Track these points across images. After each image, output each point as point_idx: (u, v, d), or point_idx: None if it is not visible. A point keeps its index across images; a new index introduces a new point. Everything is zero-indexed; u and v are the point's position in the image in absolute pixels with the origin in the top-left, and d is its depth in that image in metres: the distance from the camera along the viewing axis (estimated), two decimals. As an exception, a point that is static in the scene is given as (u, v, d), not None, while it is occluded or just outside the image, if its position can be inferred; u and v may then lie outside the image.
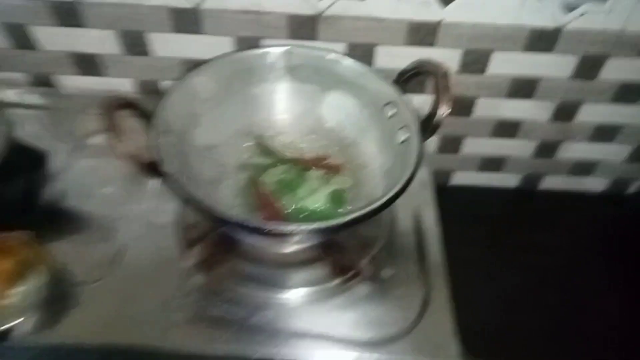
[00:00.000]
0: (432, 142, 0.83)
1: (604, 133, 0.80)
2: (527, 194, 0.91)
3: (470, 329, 0.72)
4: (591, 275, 0.81)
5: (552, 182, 0.89)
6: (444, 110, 0.54)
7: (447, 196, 0.91)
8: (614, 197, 0.91)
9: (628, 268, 0.82)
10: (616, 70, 0.71)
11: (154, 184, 0.65)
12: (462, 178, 0.89)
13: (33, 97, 0.77)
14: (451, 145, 0.84)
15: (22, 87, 0.78)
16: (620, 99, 0.75)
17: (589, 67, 0.71)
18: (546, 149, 0.83)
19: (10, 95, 0.76)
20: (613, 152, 0.83)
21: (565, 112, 0.77)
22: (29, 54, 0.74)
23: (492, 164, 0.86)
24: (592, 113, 0.77)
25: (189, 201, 0.46)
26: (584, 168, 0.87)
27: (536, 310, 0.77)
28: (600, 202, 0.91)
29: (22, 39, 0.72)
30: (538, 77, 0.72)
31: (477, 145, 0.83)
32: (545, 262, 0.82)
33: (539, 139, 0.82)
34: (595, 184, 0.90)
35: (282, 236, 0.47)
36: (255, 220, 0.45)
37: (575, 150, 0.83)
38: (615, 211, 0.90)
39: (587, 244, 0.85)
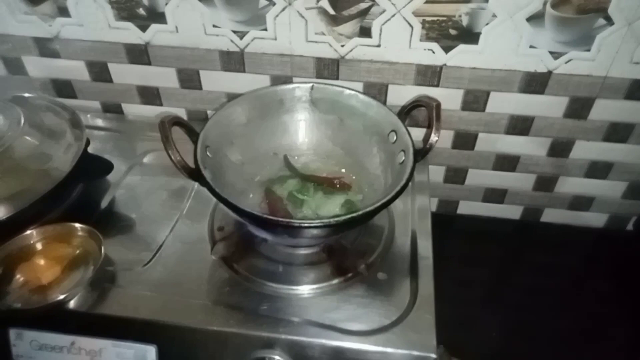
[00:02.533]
0: (439, 172, 0.92)
1: (598, 170, 0.87)
2: (530, 226, 0.97)
3: (473, 345, 0.79)
4: (594, 300, 0.85)
5: (553, 216, 0.96)
6: (435, 137, 0.64)
7: (455, 223, 1.00)
8: (613, 232, 0.96)
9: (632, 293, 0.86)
10: (605, 111, 0.79)
11: (192, 195, 0.77)
12: (469, 208, 0.97)
13: (103, 121, 0.94)
14: (457, 176, 0.92)
15: (96, 112, 0.94)
16: (610, 137, 0.82)
17: (579, 108, 0.79)
18: (545, 183, 0.90)
19: (85, 118, 0.93)
20: (608, 188, 0.89)
21: (560, 149, 0.85)
22: (105, 85, 0.90)
23: (495, 195, 0.94)
24: (585, 150, 0.84)
25: (218, 198, 0.58)
26: (582, 203, 0.93)
27: (539, 331, 0.81)
28: (600, 237, 0.96)
29: (100, 74, 0.89)
30: (533, 116, 0.81)
31: (481, 177, 0.91)
32: (549, 285, 0.87)
33: (537, 173, 0.89)
34: (594, 219, 0.95)
35: (287, 229, 0.57)
36: (265, 214, 0.56)
37: (573, 185, 0.90)
38: (613, 247, 0.94)
39: (587, 271, 0.90)
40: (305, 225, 0.56)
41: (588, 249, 0.94)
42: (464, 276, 0.89)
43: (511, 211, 0.96)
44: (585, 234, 0.96)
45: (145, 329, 0.62)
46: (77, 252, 0.67)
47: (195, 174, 0.61)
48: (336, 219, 0.55)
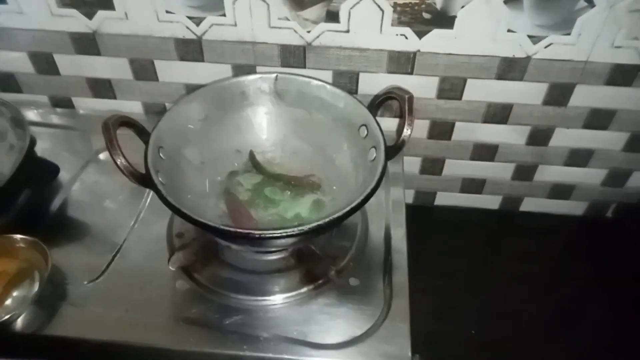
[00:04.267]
0: (415, 163, 0.88)
1: (578, 157, 0.84)
2: (509, 216, 0.95)
3: (454, 337, 0.77)
4: (575, 287, 0.84)
5: (533, 205, 0.93)
6: (407, 131, 0.59)
7: (433, 215, 0.97)
8: (593, 219, 0.94)
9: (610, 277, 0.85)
10: (585, 98, 0.75)
11: (150, 197, 0.71)
12: (446, 199, 0.94)
13: (53, 117, 0.86)
14: (433, 167, 0.88)
15: (44, 108, 0.87)
16: (590, 125, 0.79)
17: (559, 95, 0.75)
18: (524, 172, 0.87)
19: (33, 115, 0.85)
20: (588, 176, 0.87)
21: (539, 137, 0.81)
22: (51, 78, 0.83)
23: (474, 185, 0.91)
24: (565, 138, 0.81)
25: (170, 207, 0.52)
26: (562, 191, 0.90)
27: (521, 319, 0.80)
28: (580, 225, 0.94)
29: (46, 66, 0.81)
30: (511, 104, 0.77)
31: (459, 167, 0.88)
32: (530, 273, 0.85)
33: (516, 162, 0.86)
34: (574, 207, 0.93)
35: (248, 240, 0.52)
36: (225, 225, 0.51)
37: (553, 173, 0.87)
38: (593, 234, 0.92)
39: (567, 258, 0.88)
40: (267, 236, 0.51)
41: (568, 236, 0.93)
42: (444, 267, 0.86)
43: (490, 201, 0.93)
44: (565, 222, 0.94)
45: (99, 350, 0.57)
46: (21, 266, 0.62)
47: (146, 180, 0.56)
48: (300, 228, 0.50)
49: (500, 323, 0.80)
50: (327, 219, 0.51)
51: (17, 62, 0.81)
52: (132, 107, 0.85)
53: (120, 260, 0.65)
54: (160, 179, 0.57)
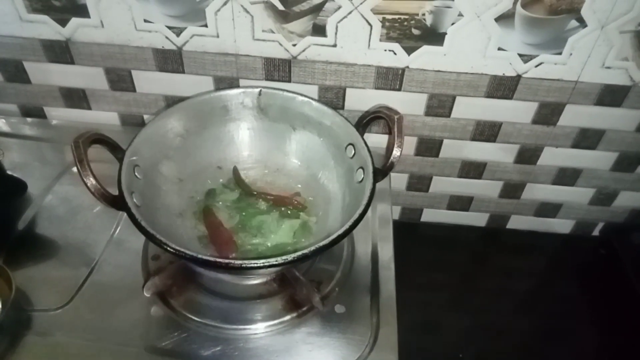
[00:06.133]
0: (402, 180, 0.86)
1: (566, 176, 0.83)
2: (496, 233, 0.94)
3: (438, 352, 0.75)
4: (560, 304, 0.83)
5: (519, 222, 0.92)
6: (397, 152, 0.57)
7: (419, 231, 0.95)
8: (580, 238, 0.93)
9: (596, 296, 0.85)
10: (574, 117, 0.74)
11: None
12: (433, 215, 0.92)
13: (23, 127, 0.82)
14: (420, 183, 0.86)
15: (13, 117, 0.82)
16: (579, 144, 0.78)
17: (548, 114, 0.74)
18: (512, 190, 0.86)
19: (2, 124, 0.81)
20: (576, 195, 0.86)
21: (528, 155, 0.80)
22: (21, 87, 0.78)
23: (461, 202, 0.89)
24: (554, 157, 0.80)
25: (145, 234, 0.49)
26: (549, 209, 0.89)
27: (506, 336, 0.79)
28: (566, 243, 0.93)
29: (16, 74, 0.77)
30: (500, 122, 0.76)
31: (446, 184, 0.86)
32: (514, 290, 0.85)
33: (504, 180, 0.85)
34: (561, 225, 0.92)
35: (228, 269, 0.50)
36: (203, 254, 0.48)
37: (540, 191, 0.86)
38: (580, 252, 0.92)
39: (552, 276, 0.88)
40: (249, 266, 0.48)
41: (555, 254, 0.92)
42: (429, 282, 0.85)
43: (477, 218, 0.92)
44: (552, 240, 0.93)
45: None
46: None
47: (119, 202, 0.52)
48: (283, 257, 0.48)
49: (485, 339, 0.78)
50: (312, 248, 0.49)
51: (-16, 69, 0.76)
52: (108, 118, 0.81)
53: (91, 284, 0.61)
54: (135, 200, 0.53)
